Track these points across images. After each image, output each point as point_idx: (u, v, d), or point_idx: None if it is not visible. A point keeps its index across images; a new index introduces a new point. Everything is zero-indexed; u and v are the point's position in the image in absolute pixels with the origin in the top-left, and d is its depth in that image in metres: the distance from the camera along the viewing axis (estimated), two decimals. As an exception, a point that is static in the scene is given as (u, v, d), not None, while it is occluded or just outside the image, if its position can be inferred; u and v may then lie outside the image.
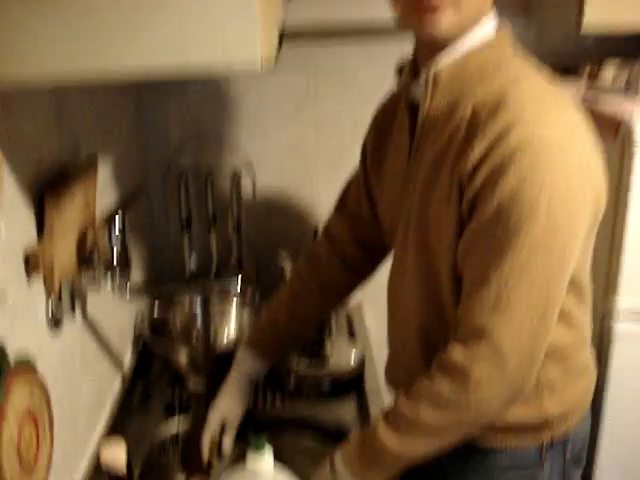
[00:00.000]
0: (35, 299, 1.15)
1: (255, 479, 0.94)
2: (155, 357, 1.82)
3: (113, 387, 1.60)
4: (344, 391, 1.70)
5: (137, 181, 1.87)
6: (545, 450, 1.21)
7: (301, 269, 1.49)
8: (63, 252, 1.23)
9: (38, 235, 1.15)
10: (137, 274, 1.86)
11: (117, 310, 1.65)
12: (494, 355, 1.02)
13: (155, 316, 1.78)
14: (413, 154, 1.16)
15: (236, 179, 1.94)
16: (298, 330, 1.49)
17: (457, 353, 1.04)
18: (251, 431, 1.52)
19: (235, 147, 1.97)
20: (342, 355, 1.76)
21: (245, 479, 0.95)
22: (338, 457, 1.18)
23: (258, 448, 0.93)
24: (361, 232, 1.41)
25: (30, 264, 1.10)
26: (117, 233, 1.26)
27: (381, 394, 1.64)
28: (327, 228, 1.47)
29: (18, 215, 1.09)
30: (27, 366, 1.05)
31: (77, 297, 1.29)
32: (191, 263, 2.02)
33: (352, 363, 1.74)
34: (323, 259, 1.45)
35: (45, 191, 1.15)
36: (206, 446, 1.43)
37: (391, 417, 1.12)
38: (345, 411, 1.63)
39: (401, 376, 1.30)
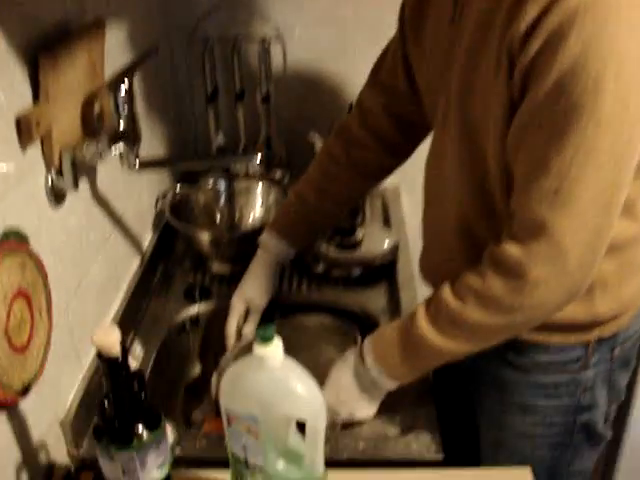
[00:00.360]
0: (32, 170, 1.04)
1: (260, 374, 0.85)
2: (177, 238, 1.73)
3: (130, 269, 1.51)
4: (375, 279, 1.60)
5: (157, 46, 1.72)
6: (592, 349, 1.10)
7: (332, 145, 1.36)
8: (64, 120, 1.11)
9: (34, 101, 1.04)
10: (160, 149, 1.75)
11: (134, 187, 1.54)
12: (554, 252, 0.90)
13: (177, 195, 1.67)
14: (457, 16, 1.00)
15: (266, 50, 1.78)
16: (327, 211, 1.37)
17: (512, 250, 0.93)
18: (277, 316, 1.47)
19: (266, 16, 1.79)
20: (375, 241, 1.65)
21: (249, 374, 0.86)
22: (367, 348, 1.09)
23: (265, 340, 0.83)
24: (396, 107, 1.27)
25: (22, 129, 0.98)
26: (123, 98, 1.13)
27: (414, 285, 1.54)
28: (360, 101, 1.33)
29: (10, 77, 0.98)
30: (19, 240, 0.96)
31: (81, 170, 1.18)
32: (217, 139, 1.89)
33: (385, 249, 1.62)
34: (355, 134, 1.32)
35: (40, 51, 1.02)
36: (231, 332, 1.36)
37: (434, 311, 1.02)
38: (375, 300, 1.53)
39: (438, 270, 1.20)
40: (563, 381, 1.14)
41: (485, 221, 1.05)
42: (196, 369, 1.55)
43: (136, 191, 1.56)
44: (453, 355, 1.03)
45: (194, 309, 1.53)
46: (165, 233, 1.69)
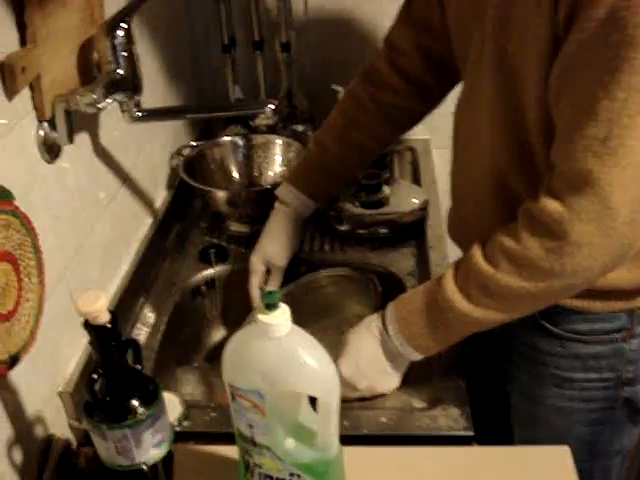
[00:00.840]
0: (20, 121, 0.95)
1: (264, 345, 0.76)
2: (193, 197, 1.63)
3: (140, 229, 1.43)
4: (403, 239, 1.49)
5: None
6: (637, 318, 0.99)
7: (356, 88, 1.24)
8: (57, 67, 1.01)
9: (21, 46, 0.94)
10: (176, 101, 1.65)
11: (144, 142, 1.44)
12: (600, 208, 0.79)
13: (192, 150, 1.57)
14: None
15: (285, -5, 1.66)
16: (350, 161, 1.26)
17: (552, 207, 0.82)
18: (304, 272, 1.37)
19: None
20: (403, 199, 1.54)
21: (253, 344, 0.77)
22: (391, 315, 1.00)
23: (270, 307, 0.73)
24: (429, 45, 1.15)
25: (5, 75, 0.89)
26: (121, 42, 1.03)
27: (444, 245, 1.43)
28: (389, 38, 1.21)
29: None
30: (1, 198, 0.87)
31: (80, 122, 1.09)
32: (235, 92, 1.79)
33: (414, 207, 1.51)
34: (383, 76, 1.20)
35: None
36: (255, 294, 1.28)
37: (463, 276, 0.92)
38: (403, 261, 1.43)
39: (468, 230, 1.09)
40: (604, 352, 1.03)
41: (522, 175, 0.93)
42: (212, 335, 1.47)
43: (147, 146, 1.46)
44: (484, 325, 0.93)
45: (210, 271, 1.44)
46: (180, 191, 1.60)
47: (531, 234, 0.85)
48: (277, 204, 1.29)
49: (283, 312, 0.75)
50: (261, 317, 0.75)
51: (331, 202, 1.57)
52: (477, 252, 0.91)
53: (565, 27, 0.77)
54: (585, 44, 0.75)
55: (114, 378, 0.81)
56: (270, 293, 0.74)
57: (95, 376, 0.80)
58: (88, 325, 0.76)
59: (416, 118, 1.25)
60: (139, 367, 0.83)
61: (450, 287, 0.92)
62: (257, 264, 1.27)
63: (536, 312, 1.00)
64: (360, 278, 1.30)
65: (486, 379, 1.26)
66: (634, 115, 0.74)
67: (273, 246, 1.27)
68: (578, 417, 1.10)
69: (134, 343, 0.83)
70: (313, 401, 0.82)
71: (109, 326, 0.77)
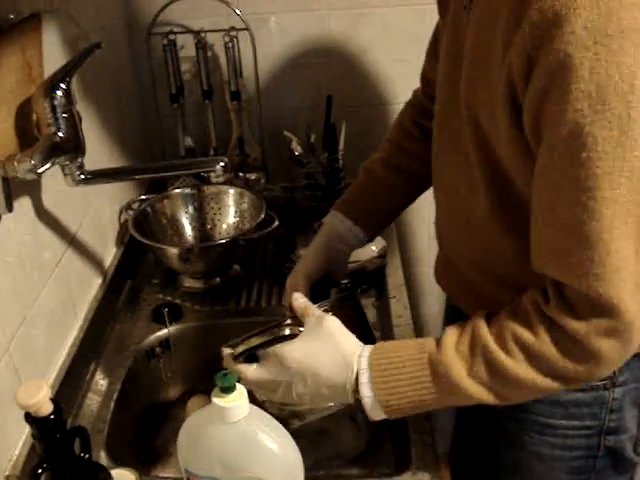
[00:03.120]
0: (-46, 192, 0.90)
1: (221, 429, 0.71)
2: (144, 253, 1.58)
3: (89, 291, 1.36)
4: (363, 289, 1.45)
5: (115, 43, 1.58)
6: (620, 367, 0.96)
7: (402, 117, 1.25)
8: (-8, 130, 0.96)
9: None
10: (123, 155, 1.60)
11: (92, 200, 1.39)
12: (619, 325, 0.77)
13: (142, 205, 1.52)
14: (468, 2, 0.87)
15: (233, 42, 1.63)
16: (399, 188, 1.22)
17: (570, 324, 0.79)
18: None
19: (232, 4, 1.64)
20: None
21: (209, 428, 0.72)
22: (366, 362, 0.90)
23: (225, 390, 0.69)
24: None
25: None
26: (60, 103, 0.99)
27: (405, 295, 1.39)
28: (423, 72, 1.22)
29: None
30: None
31: (19, 187, 1.03)
32: (185, 142, 1.74)
33: (372, 255, 1.48)
34: (422, 103, 1.21)
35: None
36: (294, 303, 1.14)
37: (467, 347, 0.86)
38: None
39: (459, 281, 1.07)
40: (586, 400, 1.00)
41: (507, 225, 0.91)
42: (169, 400, 1.41)
43: (95, 202, 1.41)
44: (468, 401, 0.87)
45: (164, 331, 1.38)
46: (130, 247, 1.54)
47: (548, 334, 0.81)
48: (319, 231, 1.22)
49: (240, 394, 0.71)
50: (216, 400, 0.70)
51: (288, 252, 1.54)
52: (484, 328, 0.86)
53: (533, 136, 0.76)
54: (555, 164, 0.73)
55: (60, 471, 0.75)
56: (225, 375, 0.70)
57: (39, 470, 0.74)
58: (30, 417, 0.71)
59: None
60: (87, 456, 0.77)
61: (451, 352, 0.86)
62: (287, 287, 1.17)
63: None
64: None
65: (474, 422, 1.24)
66: (622, 226, 0.72)
67: (296, 272, 1.18)
68: (560, 464, 1.07)
69: (81, 431, 0.77)
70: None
71: (52, 417, 0.71)
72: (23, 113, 1.05)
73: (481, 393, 0.85)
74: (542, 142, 0.74)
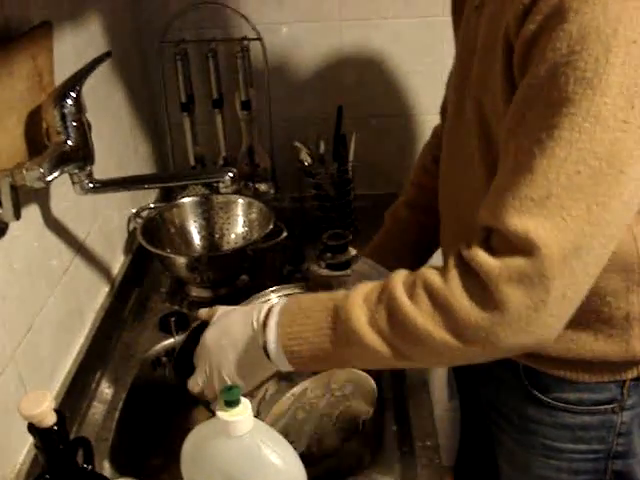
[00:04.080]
0: (-37, 199, 0.90)
1: (225, 443, 0.70)
2: (152, 262, 1.58)
3: (96, 300, 1.36)
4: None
5: (126, 51, 1.58)
6: (628, 389, 0.96)
7: (423, 154, 1.26)
8: (3, 139, 0.96)
9: (-36, 117, 0.90)
10: (133, 164, 1.60)
11: (100, 208, 1.39)
12: (534, 275, 0.71)
13: (150, 213, 1.52)
14: (479, 2, 0.87)
15: (245, 51, 1.63)
16: (424, 225, 1.19)
17: (483, 257, 0.74)
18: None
19: (244, 14, 1.64)
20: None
21: (213, 442, 0.71)
22: (275, 311, 0.88)
23: (230, 404, 0.68)
24: None
25: (-56, 153, 0.84)
26: (70, 111, 0.99)
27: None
28: (442, 105, 1.20)
29: None
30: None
31: (27, 196, 1.03)
32: (195, 151, 1.74)
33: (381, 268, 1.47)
34: (440, 138, 1.15)
35: (-33, 59, 0.88)
36: None
37: (377, 295, 0.81)
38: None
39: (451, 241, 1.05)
40: (593, 423, 0.99)
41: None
42: (173, 407, 1.40)
43: (104, 211, 1.41)
44: (375, 358, 0.82)
45: (171, 341, 1.38)
46: (138, 255, 1.54)
47: (460, 279, 0.76)
48: (352, 277, 1.22)
49: (245, 408, 0.70)
50: (220, 414, 0.70)
51: (297, 263, 1.53)
52: (399, 276, 0.82)
53: (517, 76, 0.75)
54: (527, 102, 0.72)
55: (63, 483, 0.75)
56: (230, 389, 0.69)
57: (42, 481, 0.74)
58: (33, 428, 0.70)
59: None
60: (90, 467, 0.77)
61: (357, 299, 0.82)
62: None
63: (525, 379, 0.98)
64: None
65: (479, 440, 1.23)
66: (573, 174, 0.69)
67: None
68: None
69: (84, 442, 0.76)
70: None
71: (55, 428, 0.71)
72: (33, 121, 1.05)
73: (378, 344, 0.80)
74: (520, 86, 0.73)
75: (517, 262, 0.71)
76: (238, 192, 1.60)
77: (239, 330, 0.91)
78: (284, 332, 0.85)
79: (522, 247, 0.71)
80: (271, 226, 1.45)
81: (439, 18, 1.64)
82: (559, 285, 0.71)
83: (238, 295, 1.48)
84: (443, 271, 0.78)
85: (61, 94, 1.00)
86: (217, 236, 1.58)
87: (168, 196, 1.72)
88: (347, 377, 0.97)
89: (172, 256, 1.44)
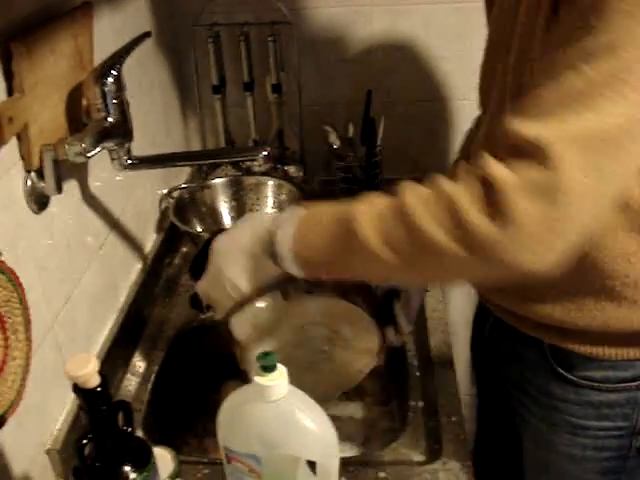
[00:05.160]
0: (7, 173, 0.92)
1: (261, 408, 0.73)
2: (183, 240, 1.61)
3: (130, 276, 1.39)
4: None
5: (160, 34, 1.60)
6: None
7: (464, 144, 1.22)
8: (45, 115, 0.99)
9: (8, 95, 0.92)
10: (165, 144, 1.63)
11: (134, 186, 1.42)
12: (551, 191, 0.67)
13: (182, 193, 1.55)
14: None
15: (276, 35, 1.65)
16: None
17: (494, 166, 0.70)
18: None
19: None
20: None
21: (249, 407, 0.74)
22: (285, 217, 0.88)
23: (266, 369, 0.71)
24: None
25: (-9, 126, 0.87)
26: (110, 89, 1.01)
27: (439, 289, 1.40)
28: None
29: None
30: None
31: (68, 170, 1.06)
32: (225, 133, 1.77)
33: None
34: None
35: (12, 37, 0.91)
36: None
37: (383, 202, 0.79)
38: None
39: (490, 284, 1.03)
40: (619, 401, 1.00)
41: None
42: (203, 382, 1.43)
43: (137, 190, 1.44)
44: (381, 266, 0.79)
45: (201, 318, 1.41)
46: (170, 234, 1.57)
47: (472, 181, 0.72)
48: None
49: (280, 374, 0.73)
50: (257, 379, 0.72)
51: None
52: (413, 186, 0.78)
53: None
54: (567, 27, 0.72)
55: (104, 443, 0.78)
56: (267, 355, 0.72)
57: (84, 441, 0.77)
58: (77, 389, 0.73)
59: None
60: (130, 430, 0.80)
61: (366, 205, 0.80)
62: None
63: (550, 358, 0.99)
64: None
65: (499, 422, 1.24)
66: (613, 94, 0.67)
67: None
68: (590, 465, 1.07)
69: (125, 405, 0.79)
70: (311, 463, 0.79)
71: (99, 390, 0.74)
72: (73, 98, 1.08)
73: (384, 250, 0.76)
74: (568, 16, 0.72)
75: (531, 171, 0.68)
76: (268, 174, 1.63)
77: (247, 234, 0.92)
78: (295, 240, 0.84)
79: (536, 153, 0.68)
80: (300, 207, 1.47)
81: (470, 4, 1.65)
82: (579, 204, 0.68)
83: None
84: (458, 177, 0.74)
85: (102, 72, 1.02)
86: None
87: (199, 177, 1.74)
88: (350, 320, 0.97)
89: (203, 234, 1.47)
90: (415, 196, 0.75)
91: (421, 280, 0.85)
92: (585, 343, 0.96)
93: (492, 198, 0.69)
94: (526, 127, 0.69)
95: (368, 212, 0.78)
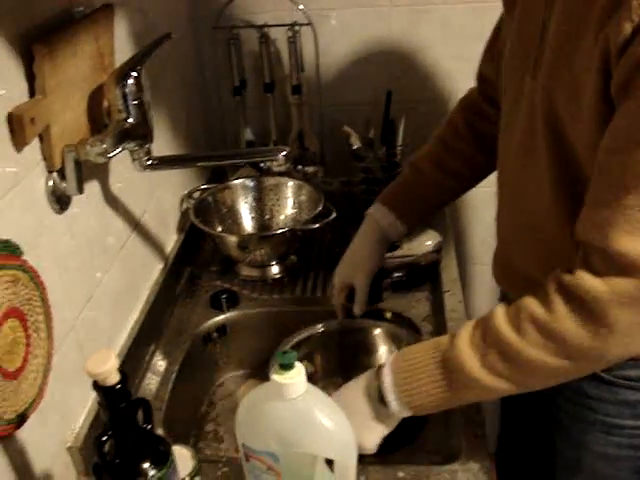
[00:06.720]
0: (30, 173, 0.94)
1: (279, 406, 0.73)
2: (204, 241, 1.62)
3: (151, 276, 1.41)
4: (417, 283, 1.46)
5: (180, 36, 1.62)
6: None
7: (454, 117, 1.26)
8: (67, 116, 1.00)
9: (31, 96, 0.94)
10: (185, 146, 1.64)
11: (155, 187, 1.43)
12: None
13: (203, 194, 1.56)
14: None
15: (296, 36, 1.65)
16: (444, 186, 1.25)
17: (590, 285, 0.77)
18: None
19: (295, 1, 1.67)
20: (416, 241, 1.50)
21: (267, 405, 0.74)
22: (389, 367, 0.94)
23: (284, 367, 0.71)
24: None
25: (14, 127, 0.88)
26: (131, 90, 1.02)
27: (460, 289, 1.40)
28: (479, 71, 1.22)
29: (3, 70, 0.87)
30: (9, 253, 0.85)
31: (89, 170, 1.07)
32: (246, 134, 1.78)
33: (428, 249, 1.48)
34: (477, 105, 1.22)
35: (34, 39, 0.92)
36: (337, 309, 1.29)
37: (481, 337, 0.86)
38: (417, 306, 1.40)
39: (515, 278, 1.07)
40: None
41: (565, 223, 0.90)
42: (224, 384, 1.44)
43: (158, 191, 1.45)
44: (488, 394, 0.89)
45: (221, 317, 1.42)
46: (190, 235, 1.58)
47: (565, 306, 0.80)
48: (365, 223, 1.27)
49: (298, 372, 0.73)
50: (275, 377, 0.73)
51: (343, 243, 1.55)
52: (500, 314, 0.86)
53: (619, 93, 0.75)
54: (634, 125, 0.73)
55: (124, 439, 0.78)
56: (285, 353, 0.72)
57: (104, 437, 0.78)
58: (97, 386, 0.74)
59: None
60: (149, 427, 0.81)
61: (464, 347, 0.87)
62: (337, 283, 1.27)
63: None
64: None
65: (525, 422, 1.23)
66: None
67: (354, 267, 1.26)
68: (624, 464, 1.06)
69: (144, 403, 0.80)
70: (329, 462, 0.79)
71: (119, 387, 0.74)
72: (94, 100, 1.09)
73: (496, 383, 0.85)
74: (628, 94, 0.73)
75: (626, 285, 0.75)
76: (288, 175, 1.63)
77: (354, 400, 0.96)
78: (401, 390, 0.91)
79: (632, 269, 0.75)
80: (320, 207, 1.47)
81: (488, 4, 1.63)
82: None
83: (286, 275, 1.51)
84: (545, 300, 0.82)
85: (123, 73, 1.03)
86: (267, 217, 1.61)
87: (219, 179, 1.75)
88: None
89: (223, 235, 1.48)
90: (512, 327, 0.83)
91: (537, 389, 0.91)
92: None
93: (589, 313, 0.78)
94: (624, 244, 0.75)
95: (469, 355, 0.86)
